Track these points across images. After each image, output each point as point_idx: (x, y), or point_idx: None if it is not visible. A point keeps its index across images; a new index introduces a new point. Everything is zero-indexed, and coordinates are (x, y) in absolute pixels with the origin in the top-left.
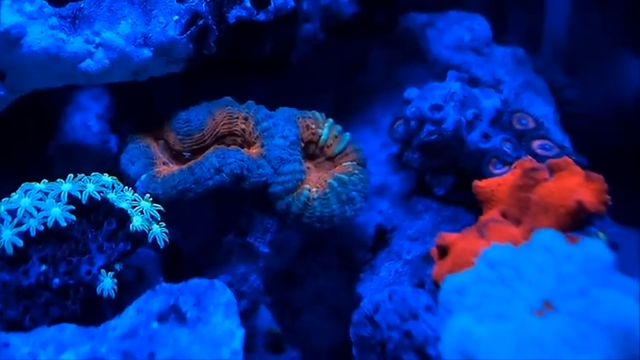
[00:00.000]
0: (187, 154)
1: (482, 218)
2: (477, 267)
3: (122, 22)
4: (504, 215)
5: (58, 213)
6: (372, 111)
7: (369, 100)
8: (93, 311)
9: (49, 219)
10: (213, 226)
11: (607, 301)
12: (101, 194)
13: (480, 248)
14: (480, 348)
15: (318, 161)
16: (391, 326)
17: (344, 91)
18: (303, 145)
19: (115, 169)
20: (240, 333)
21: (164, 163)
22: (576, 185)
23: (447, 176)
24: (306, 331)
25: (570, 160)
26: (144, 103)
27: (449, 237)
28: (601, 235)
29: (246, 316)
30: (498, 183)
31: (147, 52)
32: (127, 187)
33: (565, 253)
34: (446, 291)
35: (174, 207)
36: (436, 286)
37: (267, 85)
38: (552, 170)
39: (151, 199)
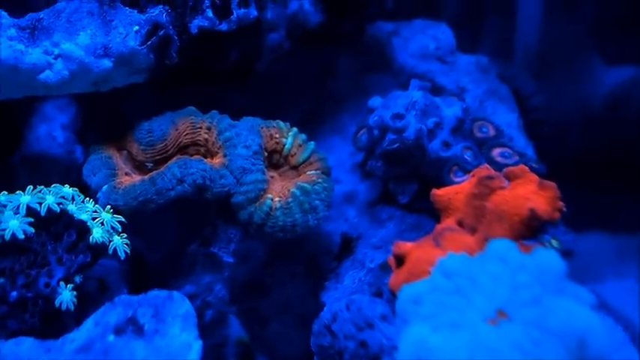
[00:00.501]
0: (150, 165)
1: (438, 227)
2: (433, 276)
3: (81, 32)
4: (460, 224)
5: (16, 225)
6: (340, 119)
7: (338, 109)
8: (54, 324)
9: (7, 231)
10: (177, 236)
11: (560, 310)
12: (61, 206)
13: (436, 257)
14: (435, 357)
15: (283, 170)
16: (347, 336)
17: (313, 99)
18: (266, 154)
19: (81, 180)
20: (197, 345)
21: (127, 174)
22: (530, 193)
23: (410, 184)
24: (274, 341)
25: (526, 168)
26: (112, 113)
27: (405, 246)
28: (554, 242)
29: (215, 326)
30: (456, 191)
31: (107, 63)
32: (88, 199)
33: (519, 263)
34: (402, 300)
35: (137, 217)
36: (393, 295)
37: (236, 95)
38: (509, 178)
39: (111, 210)
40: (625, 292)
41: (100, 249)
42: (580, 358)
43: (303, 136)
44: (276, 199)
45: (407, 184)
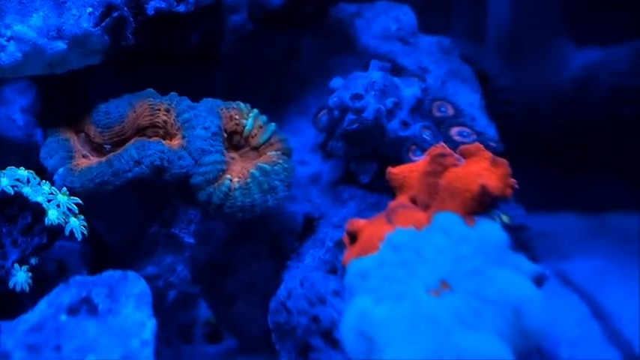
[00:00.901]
0: (108, 147)
1: (391, 204)
2: (381, 251)
3: (34, 14)
4: (414, 201)
5: None
6: (305, 101)
7: (302, 90)
8: (11, 306)
9: None
10: (137, 218)
11: (499, 280)
12: (15, 189)
13: (386, 233)
14: (377, 328)
15: (243, 151)
16: (300, 312)
17: (278, 81)
18: (226, 135)
19: (40, 163)
20: (151, 324)
21: (84, 157)
22: (482, 170)
23: (370, 164)
24: (240, 320)
25: (481, 145)
26: (73, 96)
27: (358, 223)
28: (504, 217)
29: (180, 307)
30: (411, 169)
31: (61, 45)
32: (44, 181)
33: (462, 235)
34: (351, 275)
35: (95, 200)
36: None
37: (199, 78)
38: (464, 156)
39: (68, 192)
40: (591, 270)
41: (57, 231)
42: (516, 326)
43: (264, 118)
44: (235, 179)
45: (367, 164)
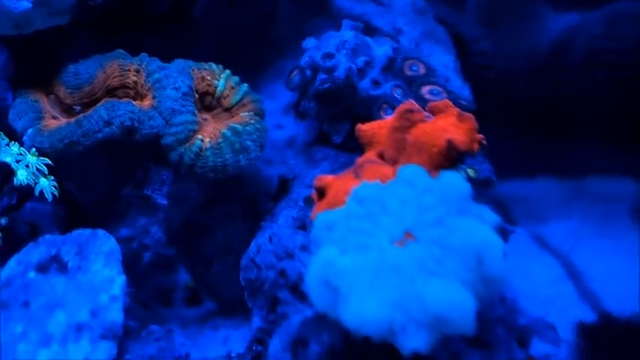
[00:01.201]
0: (78, 108)
1: (359, 160)
2: (347, 204)
3: None
4: (382, 156)
5: None
6: (283, 65)
7: (279, 54)
8: None
9: None
10: (110, 179)
11: (461, 229)
12: None
13: (353, 188)
14: (342, 277)
15: (216, 113)
16: (268, 266)
17: (255, 45)
18: (198, 96)
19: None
20: (120, 280)
21: (54, 118)
22: (449, 125)
23: (343, 124)
24: (217, 282)
25: (450, 102)
26: (45, 59)
27: (326, 179)
28: (471, 171)
29: (157, 270)
30: (380, 126)
31: (26, 4)
32: (13, 142)
33: (426, 187)
34: (317, 228)
35: (67, 161)
36: None
37: (173, 41)
38: (433, 113)
39: (37, 152)
40: (568, 232)
41: (27, 191)
42: (479, 273)
43: (236, 79)
44: (207, 139)
45: (340, 125)
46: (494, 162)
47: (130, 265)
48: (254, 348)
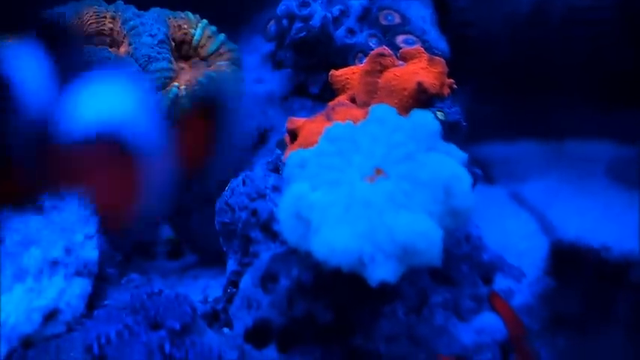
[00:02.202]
0: None
1: (330, 103)
2: (319, 143)
3: None
4: (353, 100)
5: None
6: (263, 19)
7: (260, 8)
8: None
9: None
10: None
11: (430, 163)
12: None
13: (325, 128)
14: (313, 210)
15: (193, 62)
16: (241, 207)
17: None
18: (174, 45)
19: None
20: (95, 219)
21: None
22: (419, 69)
23: (320, 74)
24: (197, 233)
25: (421, 48)
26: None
27: (298, 121)
28: (440, 114)
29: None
30: (352, 71)
31: None
32: None
33: (396, 124)
34: (289, 166)
35: None
36: None
37: None
38: (405, 59)
39: None
40: (545, 191)
41: None
42: (446, 205)
43: (213, 28)
44: (183, 87)
45: (317, 75)
46: (475, 124)
47: None
48: (228, 290)
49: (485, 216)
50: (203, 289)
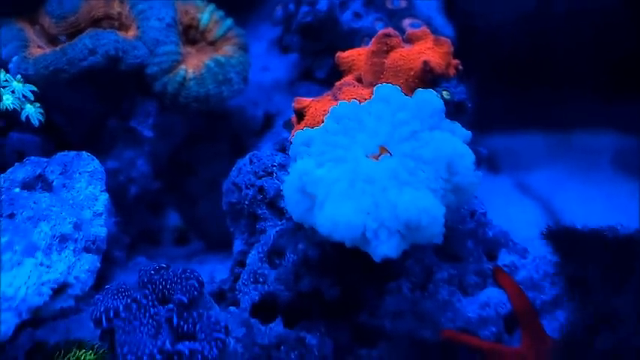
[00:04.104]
0: (63, 38)
1: (337, 83)
2: (325, 122)
3: None
4: (359, 80)
5: None
6: (270, 6)
7: None
8: None
9: None
10: (96, 111)
11: (433, 141)
12: None
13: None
14: (318, 185)
15: (200, 46)
16: (248, 185)
17: None
18: (182, 28)
19: None
20: (103, 197)
21: (39, 47)
22: (425, 49)
23: (326, 59)
24: (203, 220)
25: (427, 30)
26: None
27: (304, 101)
28: (445, 93)
29: (142, 205)
30: (359, 53)
31: None
32: None
33: (400, 103)
34: (295, 144)
35: (53, 90)
36: None
37: None
38: (411, 41)
39: (22, 79)
40: (550, 180)
41: (13, 117)
42: (448, 182)
43: (220, 13)
44: (190, 70)
45: (323, 59)
46: (480, 115)
47: (118, 198)
48: (235, 271)
49: (491, 204)
50: (210, 273)
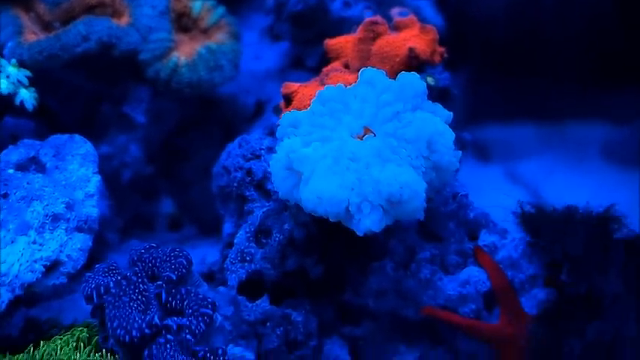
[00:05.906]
0: (57, 25)
1: (324, 69)
2: (311, 105)
3: None
4: (346, 66)
5: None
6: None
7: None
8: None
9: None
10: (90, 96)
11: (416, 121)
12: None
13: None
14: (304, 162)
15: (193, 34)
16: (237, 168)
17: None
18: (174, 16)
19: None
20: (95, 179)
21: (34, 33)
22: (411, 36)
23: (316, 47)
24: (196, 205)
25: (415, 18)
26: None
27: (292, 86)
28: (430, 79)
29: (136, 190)
30: (346, 40)
31: None
32: None
33: (384, 85)
34: (283, 126)
35: (49, 76)
36: None
37: None
38: (398, 28)
39: (17, 64)
40: (540, 169)
41: (7, 101)
42: (430, 160)
43: (212, 1)
44: (182, 57)
45: (313, 48)
46: (472, 105)
47: (111, 182)
48: (225, 252)
49: (480, 192)
50: (202, 257)
